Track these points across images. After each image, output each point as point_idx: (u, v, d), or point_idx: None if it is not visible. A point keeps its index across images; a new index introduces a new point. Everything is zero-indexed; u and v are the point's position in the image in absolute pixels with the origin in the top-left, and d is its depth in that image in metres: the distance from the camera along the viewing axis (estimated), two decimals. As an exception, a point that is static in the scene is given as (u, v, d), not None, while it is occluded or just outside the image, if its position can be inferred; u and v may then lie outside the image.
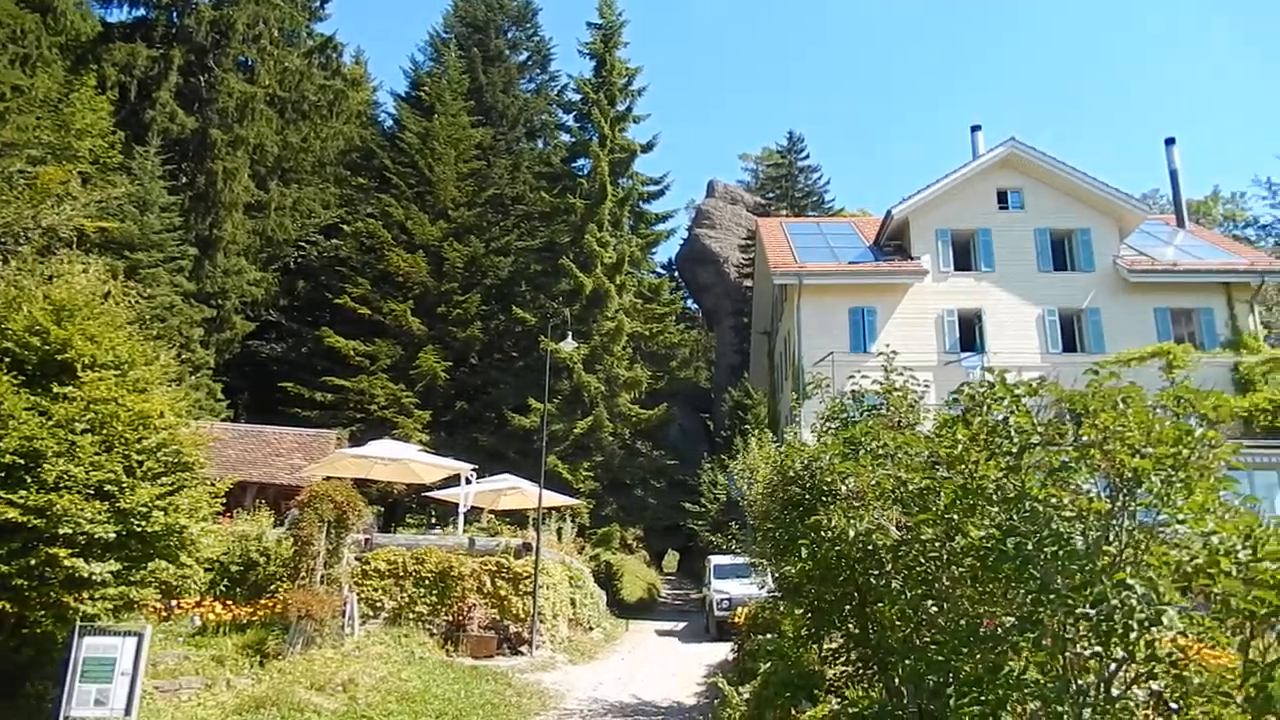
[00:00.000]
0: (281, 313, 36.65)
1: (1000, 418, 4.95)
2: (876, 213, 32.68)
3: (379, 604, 16.39)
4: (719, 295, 49.41)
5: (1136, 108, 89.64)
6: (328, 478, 17.65)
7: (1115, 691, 4.40)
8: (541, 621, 17.07)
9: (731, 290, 48.02)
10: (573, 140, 38.86)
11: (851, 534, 5.78)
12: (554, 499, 23.19)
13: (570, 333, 24.09)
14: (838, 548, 5.94)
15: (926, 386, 8.59)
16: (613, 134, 37.18)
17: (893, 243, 29.25)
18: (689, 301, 53.39)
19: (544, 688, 13.65)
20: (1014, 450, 4.83)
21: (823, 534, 6.09)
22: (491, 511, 24.22)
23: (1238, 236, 41.55)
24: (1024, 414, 4.86)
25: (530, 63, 48.93)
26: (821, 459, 6.95)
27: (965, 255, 28.13)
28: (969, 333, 27.26)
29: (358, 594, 15.90)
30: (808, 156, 53.88)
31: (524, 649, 16.55)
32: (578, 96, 38.96)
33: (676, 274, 52.54)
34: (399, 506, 29.99)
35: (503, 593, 16.93)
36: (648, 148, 39.58)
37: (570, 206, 35.46)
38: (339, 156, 39.73)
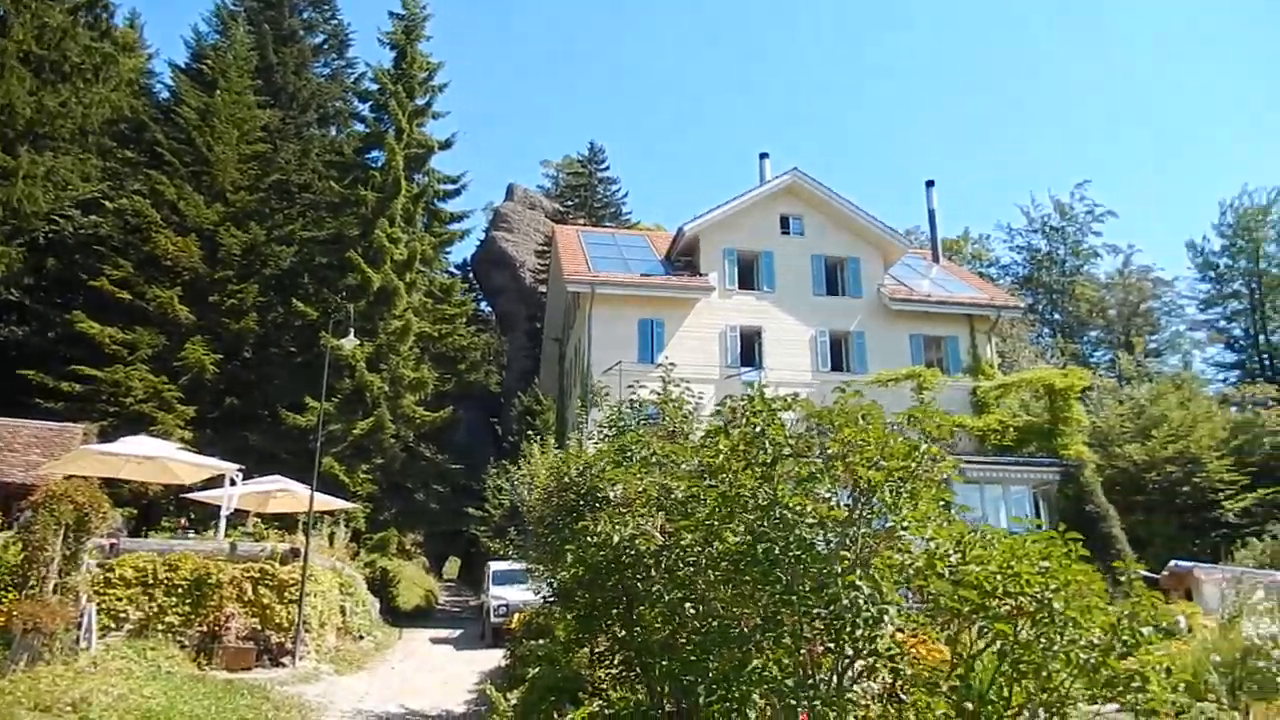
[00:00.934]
0: (25, 293, 32.76)
1: (758, 430, 5.26)
2: (672, 228, 33.72)
3: (123, 614, 15.00)
4: (513, 299, 49.17)
5: (907, 150, 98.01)
6: (70, 476, 15.97)
7: (846, 684, 4.78)
8: (307, 631, 16.25)
9: (526, 295, 47.92)
10: (368, 131, 37.41)
11: (616, 539, 5.93)
12: (328, 502, 22.19)
13: (353, 329, 23.15)
14: (603, 553, 6.07)
15: (700, 398, 8.97)
16: (410, 128, 36.14)
17: (683, 258, 30.27)
18: (482, 304, 52.77)
19: (305, 700, 13.00)
20: (768, 461, 5.14)
21: (589, 539, 6.20)
22: (259, 515, 22.81)
23: (982, 274, 46.27)
24: (778, 427, 5.19)
25: (326, 46, 46.68)
26: (596, 466, 7.08)
27: (749, 275, 29.56)
28: (749, 349, 28.64)
29: (98, 604, 14.49)
30: (608, 168, 54.78)
31: (286, 660, 15.68)
32: (375, 86, 37.55)
33: (471, 275, 51.80)
34: (155, 509, 27.58)
35: (265, 601, 15.97)
36: (446, 145, 38.78)
37: (361, 199, 34.09)
38: (104, 126, 36.08)
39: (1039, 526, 24.13)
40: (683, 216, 30.42)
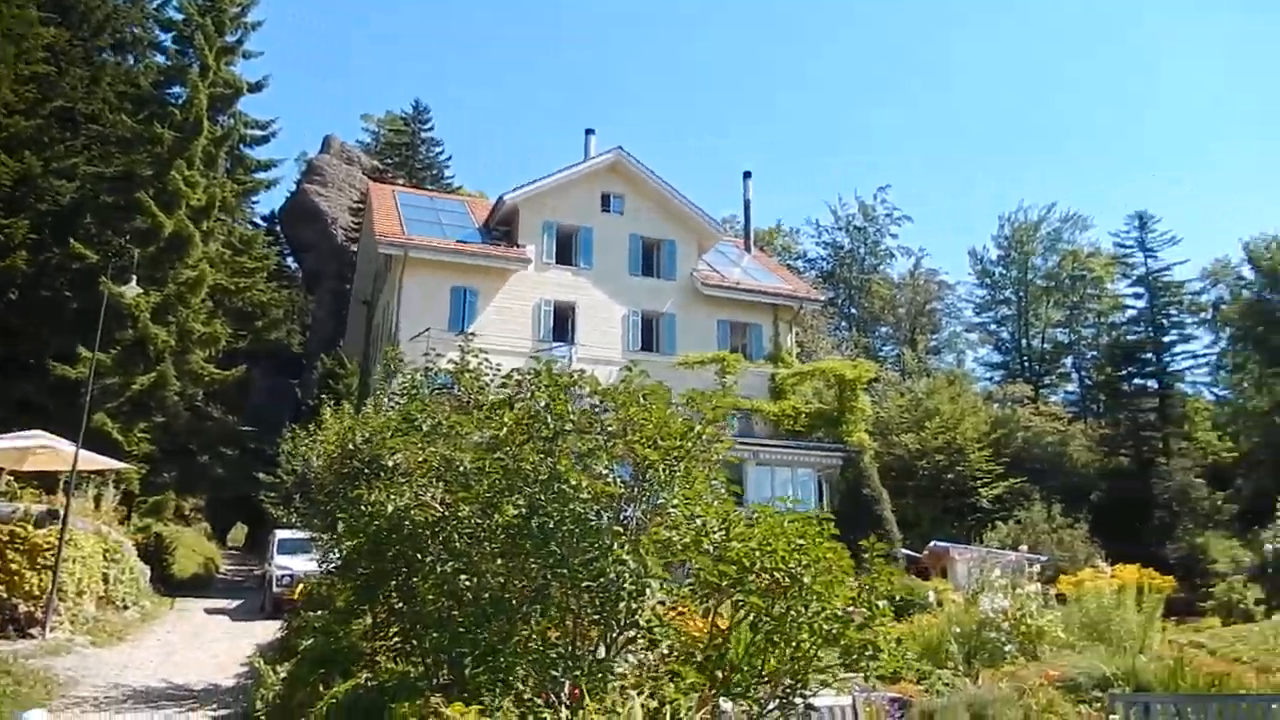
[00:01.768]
0: None
1: (542, 405, 5.31)
2: (495, 197, 33.17)
3: None
4: (323, 257, 46.89)
5: (731, 141, 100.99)
6: None
7: (611, 655, 4.95)
8: (61, 600, 14.97)
9: (337, 253, 45.79)
10: (169, 64, 34.44)
11: (391, 509, 5.84)
12: (96, 461, 20.43)
13: (137, 276, 21.38)
14: (377, 523, 5.96)
15: (499, 369, 8.92)
16: (217, 65, 33.57)
17: (502, 228, 29.90)
18: (289, 260, 50.01)
19: (53, 674, 11.99)
20: (549, 435, 5.21)
21: (363, 508, 6.08)
22: (14, 473, 20.70)
23: (790, 266, 48.56)
24: (562, 403, 5.27)
25: (125, -37, 42.46)
26: (378, 434, 6.92)
27: (567, 250, 29.60)
28: (563, 324, 28.74)
29: None
30: (433, 129, 53.09)
31: (35, 631, 14.39)
32: (180, 16, 34.60)
33: (278, 229, 48.94)
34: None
35: (14, 567, 14.57)
36: (257, 88, 36.38)
37: (157, 136, 31.33)
38: None
39: (823, 507, 25.86)
40: (508, 186, 29.93)
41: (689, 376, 24.59)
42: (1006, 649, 13.25)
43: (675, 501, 5.03)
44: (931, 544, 26.84)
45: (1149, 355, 45.73)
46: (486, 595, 5.19)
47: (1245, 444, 45.67)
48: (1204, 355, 49.59)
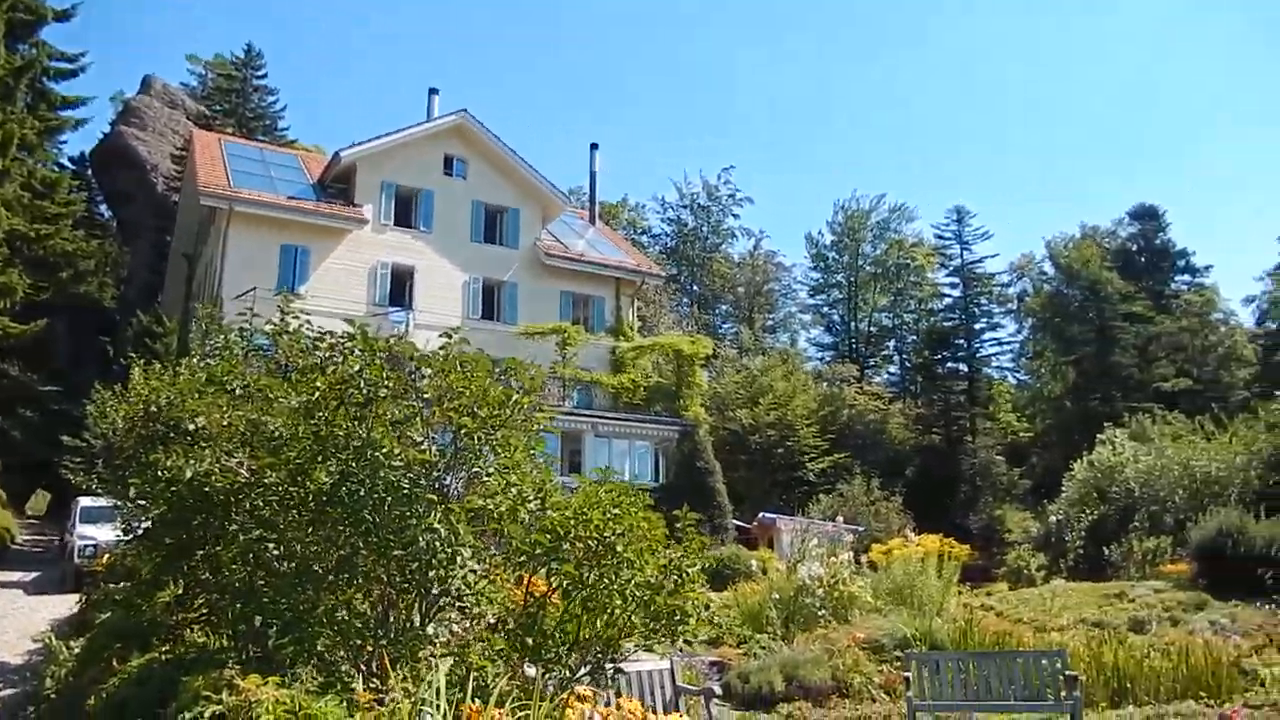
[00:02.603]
0: None
1: (356, 369, 5.15)
2: (331, 152, 31.64)
3: None
4: (141, 207, 43.47)
5: (580, 111, 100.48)
6: None
7: (420, 624, 4.90)
8: None
9: (157, 204, 42.53)
10: (-44, -20, 30.91)
11: (189, 474, 5.54)
12: None
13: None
14: (174, 489, 5.64)
15: (321, 331, 8.57)
16: (16, -13, 30.44)
17: (337, 185, 28.67)
18: (101, 207, 46.17)
19: None
20: (361, 400, 5.07)
21: (159, 474, 5.74)
22: None
23: (634, 241, 49.03)
24: (377, 368, 5.12)
25: None
26: (181, 396, 6.53)
27: (407, 212, 28.74)
28: (400, 289, 27.94)
29: None
30: (266, 76, 49.99)
31: None
32: (-30, -73, 31.06)
33: (89, 174, 45.03)
34: None
35: None
36: (64, 16, 33.23)
37: (-60, 60, 28.20)
38: None
39: (659, 479, 26.42)
40: (347, 142, 28.68)
41: (530, 347, 24.46)
42: (820, 614, 14.03)
43: (491, 470, 5.01)
44: (760, 515, 27.94)
45: (961, 341, 49.16)
46: (294, 564, 5.02)
47: (1040, 425, 50.02)
48: (1008, 343, 53.87)
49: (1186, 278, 52.21)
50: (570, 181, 46.99)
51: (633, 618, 5.33)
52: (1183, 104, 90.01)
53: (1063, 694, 10.12)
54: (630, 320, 31.37)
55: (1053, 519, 27.44)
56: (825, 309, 61.61)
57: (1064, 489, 27.89)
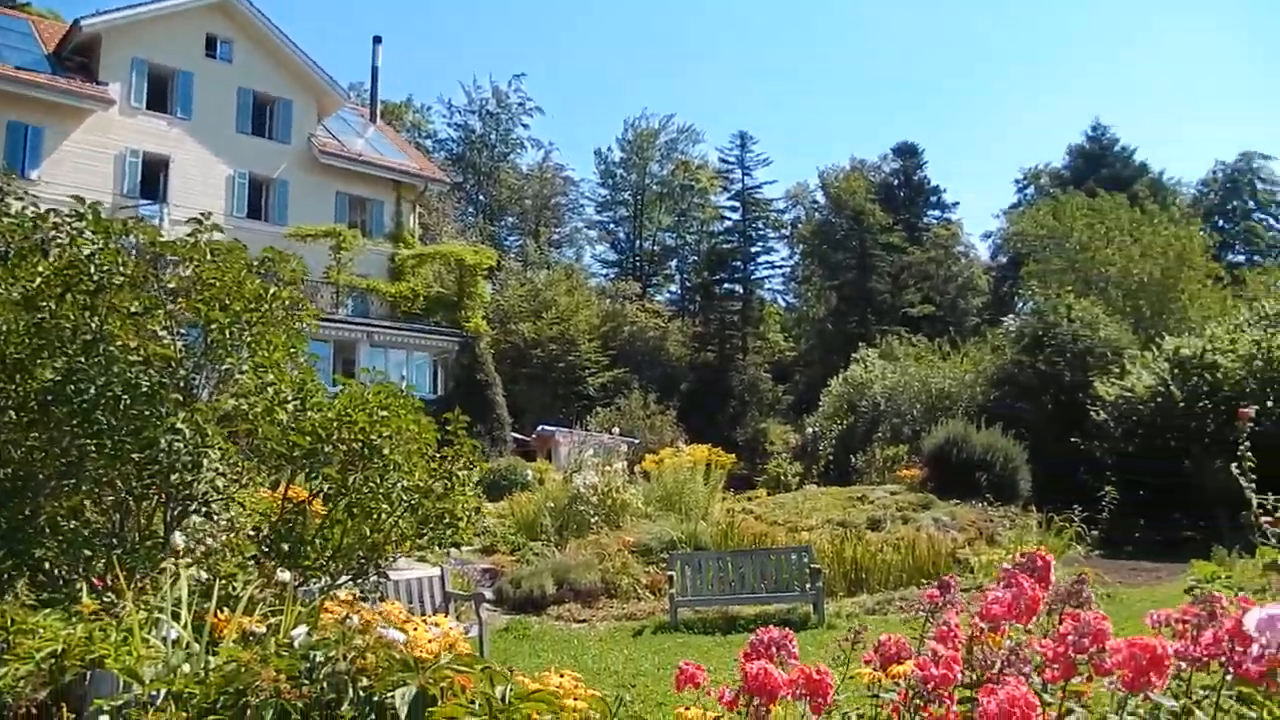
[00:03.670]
0: None
1: (86, 254, 4.59)
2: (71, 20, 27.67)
3: None
4: None
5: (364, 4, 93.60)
6: None
7: (161, 531, 4.56)
8: None
9: None
10: None
11: None
12: None
13: None
14: None
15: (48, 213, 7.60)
16: None
17: (78, 59, 25.22)
18: None
19: None
20: (93, 289, 4.54)
21: None
22: None
23: (418, 144, 46.92)
24: (111, 253, 4.59)
25: None
26: None
27: (162, 95, 25.85)
28: (154, 179, 25.31)
29: None
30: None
31: None
32: None
33: None
34: None
35: None
36: None
37: None
38: None
39: (438, 391, 26.00)
40: (91, 9, 25.14)
41: (302, 249, 22.78)
42: (594, 520, 14.47)
43: (246, 369, 4.67)
44: (539, 428, 28.27)
45: (738, 263, 51.42)
46: (11, 470, 4.48)
47: (803, 345, 53.55)
48: (780, 267, 56.92)
49: (937, 213, 56.99)
50: (351, 77, 43.92)
51: (400, 523, 5.23)
52: (955, 45, 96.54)
53: (807, 585, 11.11)
54: (411, 227, 30.20)
55: (809, 430, 29.67)
56: (611, 226, 62.16)
57: (821, 403, 30.13)
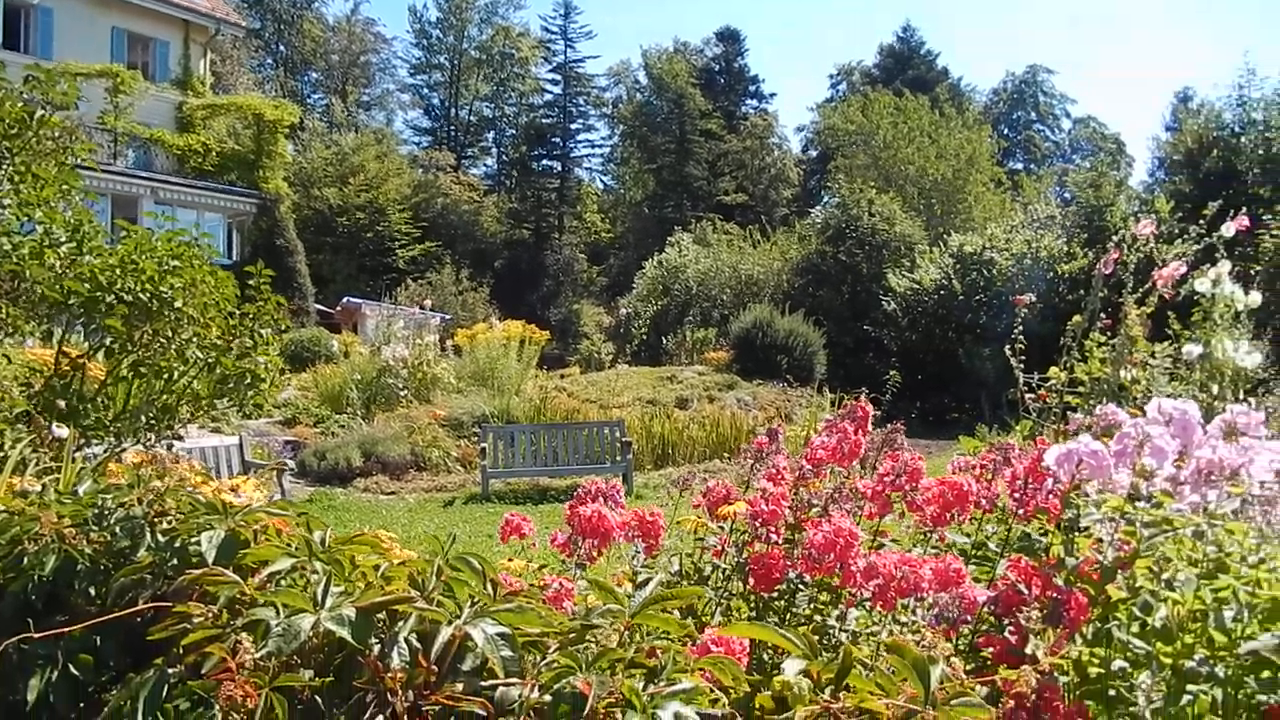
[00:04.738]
0: None
1: None
2: None
3: None
4: None
5: None
6: None
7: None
8: None
9: None
10: None
11: None
12: None
13: None
14: None
15: None
16: None
17: None
18: None
19: None
20: None
21: None
22: None
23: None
24: None
25: None
26: None
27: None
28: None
29: None
30: None
31: None
32: None
33: None
34: None
35: None
36: None
37: None
38: None
39: (232, 256, 24.21)
40: None
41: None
42: (403, 394, 14.18)
43: (9, 203, 4.09)
44: (345, 300, 27.07)
45: (557, 140, 50.33)
46: None
47: (620, 228, 53.73)
48: (600, 146, 56.23)
49: (754, 102, 57.77)
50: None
51: (195, 384, 4.86)
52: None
53: (618, 458, 11.45)
54: (202, 74, 27.31)
55: (623, 311, 30.11)
56: (425, 91, 58.81)
57: (635, 286, 30.57)
